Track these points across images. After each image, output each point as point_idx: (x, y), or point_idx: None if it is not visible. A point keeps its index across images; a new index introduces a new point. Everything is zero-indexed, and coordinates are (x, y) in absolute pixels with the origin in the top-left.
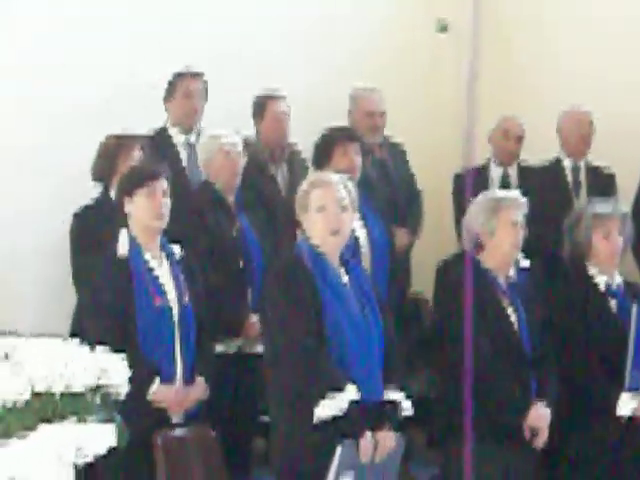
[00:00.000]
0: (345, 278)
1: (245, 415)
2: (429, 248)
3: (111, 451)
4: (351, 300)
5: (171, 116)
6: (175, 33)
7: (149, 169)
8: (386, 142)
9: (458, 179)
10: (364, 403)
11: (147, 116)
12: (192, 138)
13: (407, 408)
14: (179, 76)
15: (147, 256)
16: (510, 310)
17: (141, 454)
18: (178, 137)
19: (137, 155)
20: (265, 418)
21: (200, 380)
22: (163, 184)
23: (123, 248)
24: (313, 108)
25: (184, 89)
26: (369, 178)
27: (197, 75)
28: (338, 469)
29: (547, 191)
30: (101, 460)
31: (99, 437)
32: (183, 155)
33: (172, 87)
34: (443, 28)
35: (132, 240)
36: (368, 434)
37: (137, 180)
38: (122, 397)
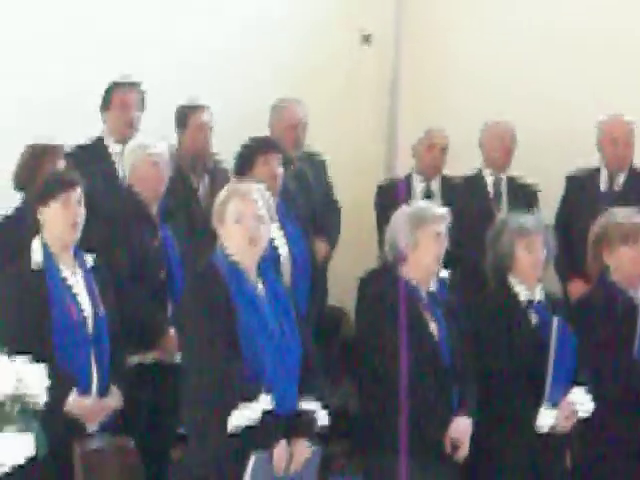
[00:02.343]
0: (261, 289)
1: (164, 426)
2: (350, 261)
3: (29, 461)
4: (266, 311)
5: (107, 126)
6: (101, 42)
7: (64, 179)
8: (306, 153)
9: (381, 191)
10: (278, 413)
11: (78, 126)
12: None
13: (323, 419)
14: (115, 86)
15: (61, 266)
16: (431, 323)
17: (59, 464)
18: (114, 147)
19: (60, 164)
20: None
21: (115, 390)
22: (78, 194)
23: (37, 257)
24: (236, 119)
25: (120, 99)
26: (288, 189)
27: (133, 85)
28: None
29: (469, 204)
30: (19, 470)
31: (17, 447)
32: (119, 165)
33: (108, 97)
34: (366, 40)
35: (46, 250)
36: (282, 444)
37: (52, 189)
38: (40, 407)
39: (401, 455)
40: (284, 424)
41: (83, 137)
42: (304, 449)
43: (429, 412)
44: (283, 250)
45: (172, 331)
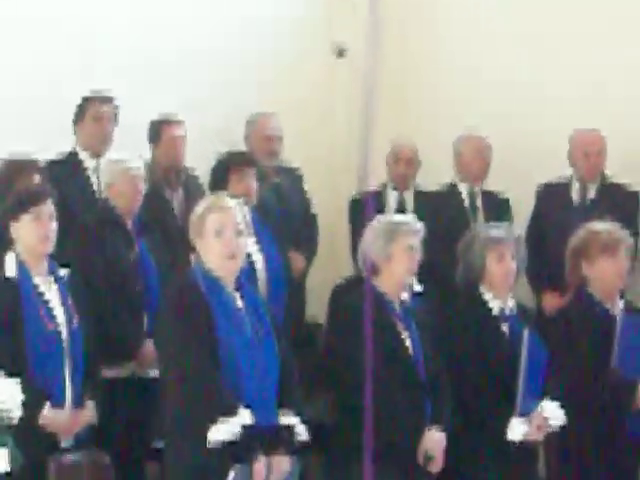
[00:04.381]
0: (240, 302)
1: (138, 439)
2: (323, 273)
3: (3, 476)
4: (245, 324)
5: (80, 140)
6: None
7: (35, 192)
8: (282, 166)
9: (354, 204)
10: (258, 427)
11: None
12: (102, 162)
13: (302, 433)
14: (89, 100)
15: (36, 279)
16: (405, 334)
17: (34, 479)
18: (88, 161)
19: (36, 179)
20: (159, 443)
21: (90, 404)
22: (49, 207)
23: (10, 269)
24: (211, 132)
25: (94, 113)
26: (265, 202)
27: (107, 99)
28: None
29: (444, 216)
30: None
31: None
32: (93, 179)
33: (81, 110)
34: (340, 52)
35: (19, 263)
36: (261, 458)
37: (23, 204)
38: (15, 421)
39: (375, 467)
40: (263, 438)
41: (54, 150)
42: (283, 463)
43: (403, 424)
44: (259, 262)
45: (148, 344)
